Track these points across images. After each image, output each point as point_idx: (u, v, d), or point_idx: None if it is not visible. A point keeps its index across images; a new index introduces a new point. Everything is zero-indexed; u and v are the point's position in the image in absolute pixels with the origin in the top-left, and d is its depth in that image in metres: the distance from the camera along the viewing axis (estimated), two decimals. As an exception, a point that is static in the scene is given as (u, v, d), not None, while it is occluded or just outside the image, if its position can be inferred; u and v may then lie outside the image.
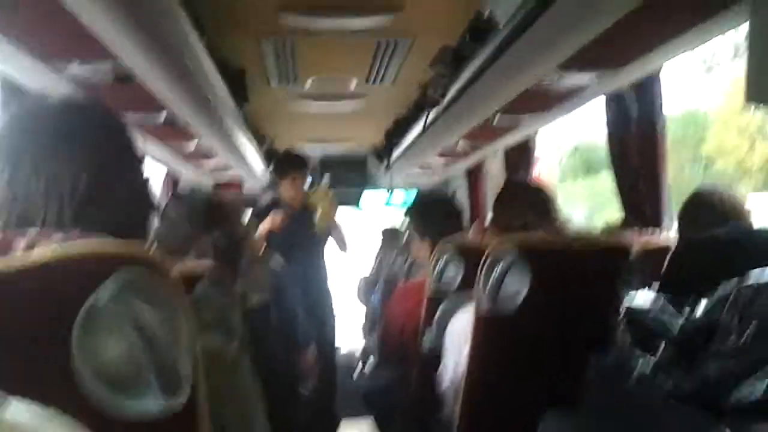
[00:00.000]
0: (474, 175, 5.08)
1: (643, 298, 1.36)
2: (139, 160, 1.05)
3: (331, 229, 4.04)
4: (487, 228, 2.42)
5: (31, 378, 0.75)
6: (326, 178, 4.32)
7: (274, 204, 4.01)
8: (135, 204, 1.00)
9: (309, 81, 3.52)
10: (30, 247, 0.77)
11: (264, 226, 3.68)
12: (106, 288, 0.76)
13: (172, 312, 0.80)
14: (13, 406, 0.40)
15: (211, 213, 1.87)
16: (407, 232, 3.69)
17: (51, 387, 0.75)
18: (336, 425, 4.25)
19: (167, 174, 4.53)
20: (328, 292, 4.19)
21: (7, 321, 0.76)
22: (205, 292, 1.34)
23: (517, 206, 1.96)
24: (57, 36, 1.87)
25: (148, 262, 0.80)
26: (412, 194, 5.84)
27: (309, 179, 4.11)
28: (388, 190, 5.62)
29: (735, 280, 1.12)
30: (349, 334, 5.52)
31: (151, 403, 0.78)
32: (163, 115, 2.86)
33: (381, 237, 5.24)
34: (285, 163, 4.07)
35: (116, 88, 2.25)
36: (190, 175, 4.74)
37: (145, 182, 1.05)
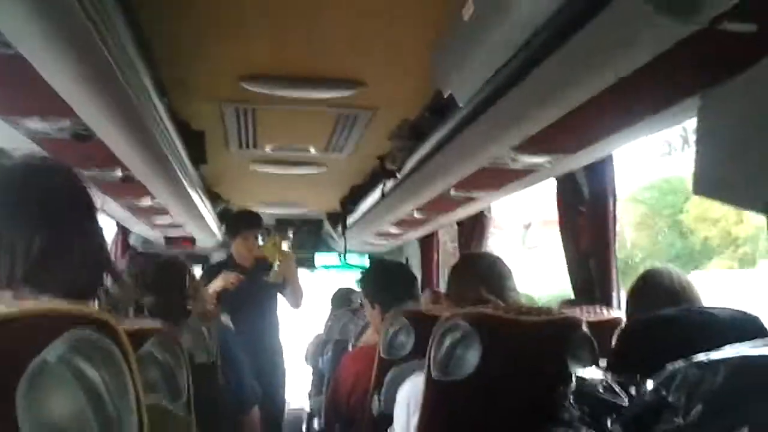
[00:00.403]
0: (427, 243, 5.13)
1: (591, 374, 1.38)
2: (96, 222, 1.05)
3: (287, 281, 4.03)
4: (443, 298, 2.45)
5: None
6: (288, 234, 4.30)
7: (226, 263, 3.99)
8: (89, 264, 1.00)
9: (268, 147, 3.55)
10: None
11: (215, 285, 3.65)
12: (55, 347, 0.76)
13: (121, 373, 0.80)
14: None
15: (160, 273, 1.87)
16: (360, 295, 3.69)
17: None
18: None
19: (118, 229, 4.49)
20: (280, 350, 4.16)
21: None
22: (150, 352, 1.33)
23: (472, 278, 1.97)
24: (16, 91, 1.86)
25: (99, 322, 0.80)
26: (365, 258, 5.86)
27: (260, 238, 4.11)
28: (341, 255, 5.62)
29: (683, 360, 1.14)
30: (295, 394, 5.43)
31: (95, 466, 0.76)
32: (120, 172, 2.84)
33: (332, 298, 5.22)
34: (237, 222, 4.09)
35: (74, 145, 2.24)
36: (143, 230, 4.69)
37: (100, 242, 1.05)
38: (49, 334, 0.76)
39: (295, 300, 4.14)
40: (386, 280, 2.80)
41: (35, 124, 2.11)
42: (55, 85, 1.74)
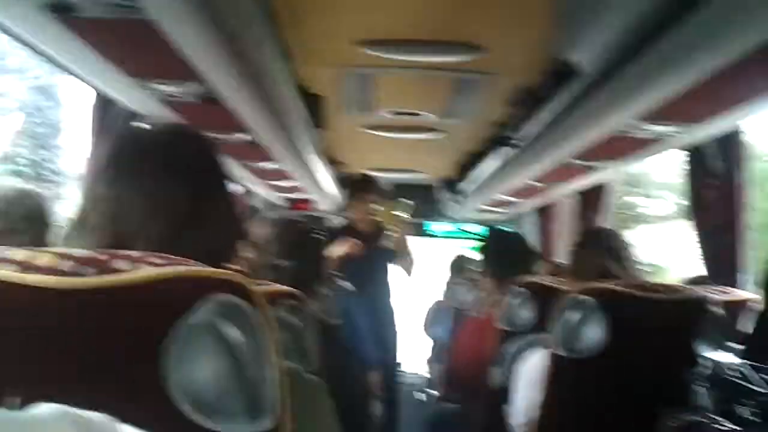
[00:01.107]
0: (545, 214, 5.03)
1: (726, 358, 1.32)
2: (230, 188, 1.08)
3: (401, 251, 4.06)
4: (564, 273, 2.40)
5: (125, 392, 0.77)
6: (408, 201, 4.29)
7: (346, 228, 4.04)
8: (228, 230, 1.03)
9: (385, 111, 3.56)
10: (132, 266, 0.80)
11: (338, 251, 3.70)
12: (200, 310, 0.78)
13: (261, 337, 0.82)
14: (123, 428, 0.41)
15: (299, 239, 1.91)
16: (477, 265, 3.67)
17: (143, 402, 0.77)
18: None
19: (244, 192, 4.63)
20: (392, 314, 4.20)
21: (104, 335, 0.78)
22: (281, 315, 1.36)
23: (597, 252, 1.93)
24: (149, 56, 1.94)
25: (240, 288, 0.82)
26: (482, 228, 5.81)
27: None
28: (456, 223, 5.61)
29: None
30: (415, 361, 5.49)
31: (239, 427, 0.79)
32: (245, 136, 2.92)
33: (451, 265, 5.20)
34: (354, 185, 4.12)
35: (201, 109, 2.32)
36: (266, 193, 4.82)
37: (236, 208, 1.08)
38: (193, 297, 0.79)
39: (407, 267, 4.17)
40: (503, 250, 2.77)
41: (164, 87, 2.20)
42: (184, 49, 1.80)
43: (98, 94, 2.37)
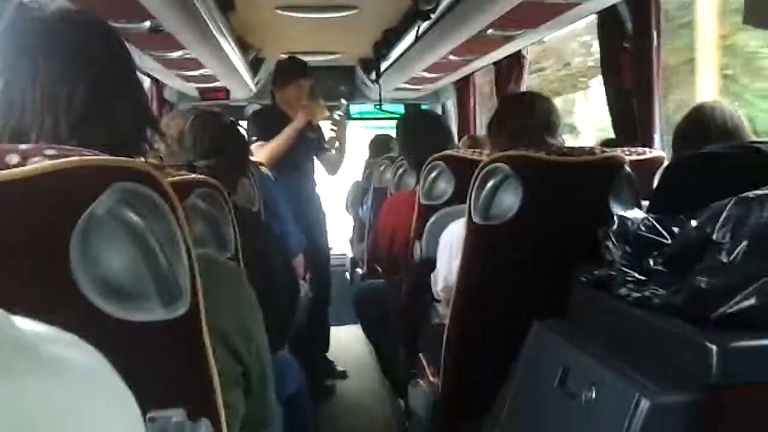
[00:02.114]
0: (464, 88, 5.04)
1: (633, 214, 1.37)
2: (137, 77, 1.02)
3: (339, 149, 4.10)
4: (481, 143, 2.42)
5: (33, 288, 0.76)
6: (342, 105, 4.25)
7: (274, 113, 3.93)
8: (133, 120, 0.98)
9: (296, -10, 3.43)
10: (23, 160, 0.76)
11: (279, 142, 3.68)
12: (103, 200, 0.76)
13: (169, 224, 0.80)
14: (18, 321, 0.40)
15: (222, 137, 1.84)
16: (396, 144, 3.69)
17: (52, 296, 0.75)
18: (327, 332, 4.36)
19: (152, 83, 4.47)
20: (319, 199, 4.21)
21: (3, 231, 0.76)
22: (195, 203, 1.34)
23: (517, 120, 1.90)
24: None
25: (144, 175, 0.80)
26: (400, 107, 5.79)
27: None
28: (376, 105, 5.56)
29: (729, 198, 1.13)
30: (337, 242, 5.57)
31: (152, 314, 0.78)
32: (148, 23, 2.78)
33: (370, 145, 5.22)
34: (288, 69, 3.98)
35: (100, -6, 2.19)
36: (176, 84, 4.66)
37: (141, 98, 1.03)
38: (96, 187, 0.76)
39: (334, 168, 4.18)
40: (419, 128, 2.80)
41: (59, -27, 2.06)
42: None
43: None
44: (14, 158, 0.76)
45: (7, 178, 0.75)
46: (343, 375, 4.44)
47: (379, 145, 5.08)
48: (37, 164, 0.75)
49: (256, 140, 3.73)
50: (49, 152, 0.77)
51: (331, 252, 4.76)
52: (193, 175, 1.45)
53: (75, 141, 0.87)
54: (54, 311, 0.71)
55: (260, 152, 3.68)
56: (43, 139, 0.88)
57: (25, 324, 0.40)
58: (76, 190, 0.76)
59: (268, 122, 3.80)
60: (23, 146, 0.78)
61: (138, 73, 1.05)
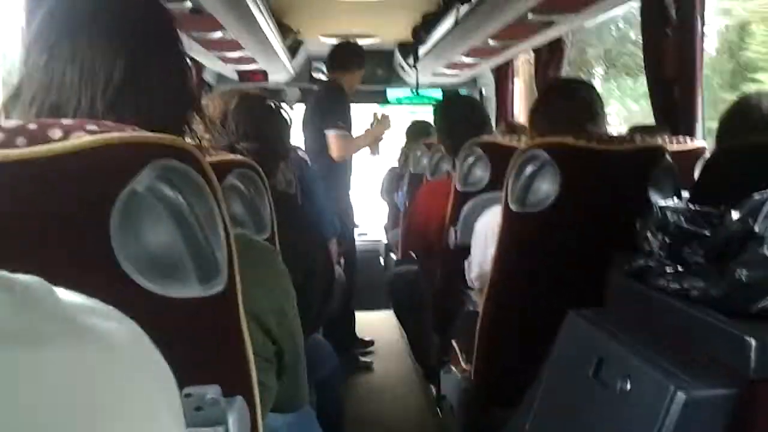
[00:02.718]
0: (502, 74, 4.99)
1: (673, 205, 1.35)
2: (182, 53, 1.02)
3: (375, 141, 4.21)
4: (519, 129, 2.39)
5: (72, 263, 0.77)
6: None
7: (341, 97, 4.00)
8: (174, 98, 0.98)
9: (337, -27, 3.43)
10: (65, 135, 0.77)
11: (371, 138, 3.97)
12: (143, 176, 0.76)
13: (208, 202, 0.81)
14: (59, 293, 0.40)
15: (266, 121, 1.84)
16: (433, 130, 3.67)
17: (91, 271, 0.76)
18: (353, 317, 4.39)
19: (192, 64, 4.49)
20: (348, 187, 4.24)
21: (44, 206, 0.77)
22: (233, 184, 1.35)
23: (557, 108, 1.87)
24: None
25: (183, 152, 0.80)
26: (438, 92, 5.76)
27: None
28: (413, 89, 5.54)
29: (772, 188, 1.10)
30: (372, 227, 5.57)
31: (190, 291, 0.79)
32: (189, 3, 2.80)
33: (407, 131, 5.20)
34: (354, 57, 4.09)
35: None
36: (216, 65, 4.69)
37: (184, 72, 1.02)
38: (136, 163, 0.77)
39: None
40: (457, 114, 2.78)
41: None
42: None
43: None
44: (57, 132, 0.77)
45: (49, 153, 0.75)
46: (371, 343, 4.48)
47: (417, 130, 5.06)
48: (78, 139, 0.76)
49: (331, 129, 3.83)
50: (90, 127, 0.78)
51: (366, 237, 4.78)
52: (233, 156, 1.45)
53: (111, 117, 0.87)
54: (93, 286, 0.72)
55: (339, 144, 3.82)
56: (79, 116, 0.89)
57: (65, 295, 0.41)
58: (116, 166, 0.77)
59: (342, 107, 3.91)
60: (66, 121, 0.79)
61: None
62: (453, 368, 2.21)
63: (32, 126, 0.77)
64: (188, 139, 1.00)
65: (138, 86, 0.92)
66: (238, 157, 1.44)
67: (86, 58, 0.89)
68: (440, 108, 2.99)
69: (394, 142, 5.24)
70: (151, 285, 0.78)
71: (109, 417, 0.37)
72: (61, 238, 0.77)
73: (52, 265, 0.75)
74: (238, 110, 1.80)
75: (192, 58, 4.34)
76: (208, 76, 4.98)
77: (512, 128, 3.53)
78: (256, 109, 1.85)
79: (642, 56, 2.87)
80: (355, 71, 4.06)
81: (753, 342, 0.98)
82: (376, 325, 4.78)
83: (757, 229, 1.10)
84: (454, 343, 2.33)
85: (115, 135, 0.78)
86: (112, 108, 0.89)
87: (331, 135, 3.85)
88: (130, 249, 0.77)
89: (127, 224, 0.77)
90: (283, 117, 1.96)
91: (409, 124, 5.30)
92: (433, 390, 2.97)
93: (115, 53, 0.91)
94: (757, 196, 1.12)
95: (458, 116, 2.78)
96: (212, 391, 0.79)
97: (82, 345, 0.38)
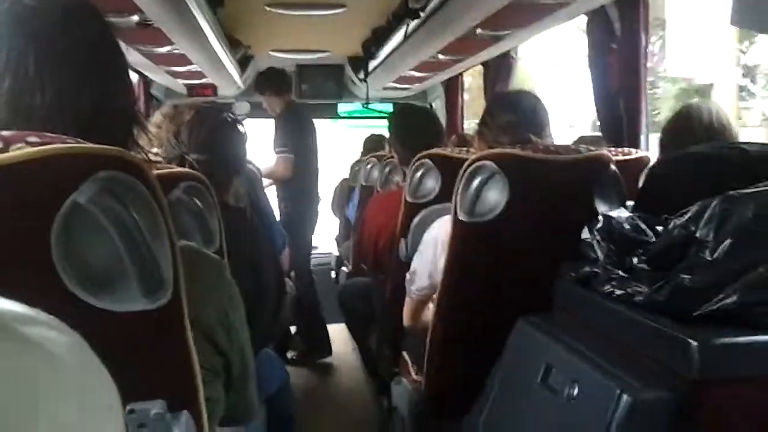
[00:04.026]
0: (452, 87, 5.05)
1: (618, 213, 1.38)
2: (125, 65, 1.00)
3: None
4: (471, 141, 2.41)
5: (13, 275, 0.75)
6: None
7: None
8: (128, 117, 0.97)
9: (286, -13, 3.42)
10: (5, 146, 0.75)
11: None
12: (87, 188, 0.75)
13: (153, 214, 0.80)
14: None
15: (220, 132, 1.82)
16: (387, 141, 3.69)
17: (33, 283, 0.75)
18: (324, 328, 4.40)
19: (140, 78, 4.44)
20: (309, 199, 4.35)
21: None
22: (180, 197, 1.33)
23: (503, 119, 1.89)
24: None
25: (128, 164, 0.79)
26: (389, 107, 5.78)
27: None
28: (364, 103, 5.55)
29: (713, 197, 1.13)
30: (323, 240, 5.56)
31: (133, 304, 0.78)
32: (135, 17, 2.77)
33: (364, 144, 5.23)
34: (281, 80, 4.49)
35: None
36: (164, 80, 4.64)
37: (130, 88, 1.01)
38: (78, 175, 0.76)
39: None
40: (412, 124, 2.79)
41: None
42: None
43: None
44: (-4, 144, 0.75)
45: None
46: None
47: (372, 144, 5.09)
48: (18, 151, 0.75)
49: (283, 151, 4.23)
50: (31, 139, 0.76)
51: (317, 251, 4.78)
52: (179, 169, 1.44)
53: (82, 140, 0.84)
54: (34, 299, 0.70)
55: (285, 165, 4.21)
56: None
57: (5, 304, 0.40)
58: (58, 178, 0.76)
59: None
60: (5, 132, 0.77)
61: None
62: (404, 380, 2.21)
63: None
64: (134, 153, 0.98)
65: (105, 109, 0.91)
66: (186, 170, 1.43)
67: (50, 81, 0.87)
68: (395, 117, 3.01)
69: (344, 155, 5.26)
70: (93, 299, 0.76)
71: (49, 428, 0.36)
72: (2, 250, 0.75)
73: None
74: (192, 122, 1.79)
75: (139, 72, 4.31)
76: (155, 91, 4.92)
77: (463, 141, 3.56)
78: (210, 121, 1.84)
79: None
80: (284, 95, 4.45)
81: (695, 344, 1.00)
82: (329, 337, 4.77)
83: (698, 234, 1.12)
84: (405, 355, 2.33)
85: (57, 146, 0.76)
86: (83, 133, 0.86)
87: (280, 157, 4.28)
88: (72, 262, 0.76)
89: (68, 237, 0.75)
90: (239, 131, 1.94)
91: (365, 137, 5.33)
92: (386, 402, 2.96)
93: (83, 77, 0.89)
94: (698, 203, 1.15)
95: (413, 126, 2.80)
96: (157, 407, 0.77)
97: (21, 353, 0.37)
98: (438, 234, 1.94)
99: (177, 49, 3.54)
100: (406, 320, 2.15)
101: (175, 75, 4.47)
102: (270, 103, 4.42)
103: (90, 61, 0.92)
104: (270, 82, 4.44)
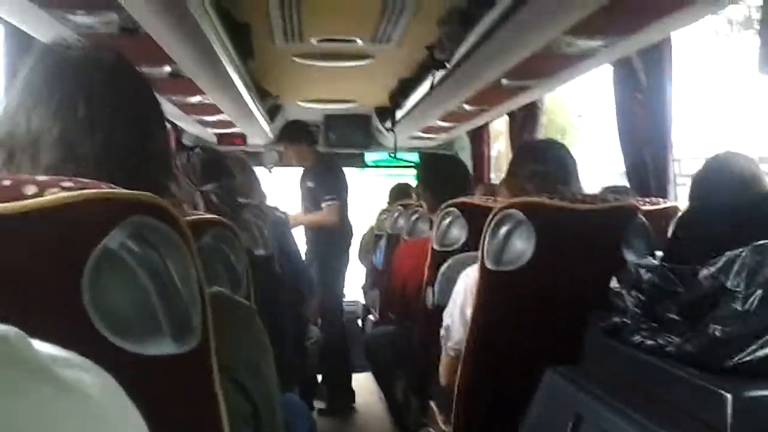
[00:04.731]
0: (478, 137, 5.07)
1: (647, 263, 1.37)
2: (162, 115, 1.04)
3: None
4: (497, 191, 2.42)
5: (45, 320, 0.76)
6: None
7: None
8: (166, 161, 1.00)
9: (313, 39, 3.49)
10: (40, 191, 0.77)
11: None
12: (118, 233, 0.76)
13: (183, 259, 0.81)
14: (35, 344, 0.40)
15: (206, 167, 1.88)
16: (415, 191, 3.71)
17: (64, 327, 0.75)
18: (349, 377, 4.38)
19: (171, 128, 4.53)
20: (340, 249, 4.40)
21: (17, 263, 0.76)
22: (210, 243, 1.35)
23: (532, 167, 1.89)
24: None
25: (160, 210, 0.81)
26: (415, 156, 5.82)
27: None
28: (391, 153, 5.60)
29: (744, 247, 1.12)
30: (350, 288, 5.56)
31: (162, 348, 0.78)
32: (168, 68, 2.83)
33: (390, 192, 5.26)
34: (304, 132, 4.66)
35: (121, 40, 2.23)
36: (195, 129, 4.72)
37: (167, 137, 1.05)
38: (110, 220, 0.77)
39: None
40: (441, 172, 2.81)
41: (81, 18, 2.10)
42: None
43: (8, 29, 2.26)
44: (31, 189, 0.77)
45: (22, 209, 0.75)
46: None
47: (399, 193, 5.12)
48: (52, 196, 0.76)
49: (332, 199, 4.34)
50: (65, 184, 0.78)
51: (344, 299, 4.79)
52: (209, 215, 1.46)
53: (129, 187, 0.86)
54: (66, 342, 0.71)
55: (335, 213, 4.33)
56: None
57: (41, 346, 0.41)
58: (90, 223, 0.77)
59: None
60: (41, 177, 0.79)
61: None
62: (431, 430, 2.18)
63: (6, 182, 0.77)
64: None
65: (143, 158, 0.93)
66: (215, 216, 1.44)
67: (105, 129, 0.90)
68: (425, 166, 3.04)
69: (371, 203, 5.28)
70: (124, 342, 0.77)
71: None
72: (34, 294, 0.77)
73: (23, 322, 0.74)
74: (198, 158, 1.86)
75: (171, 122, 4.39)
76: (186, 140, 5.00)
77: (491, 191, 3.57)
78: (212, 153, 1.91)
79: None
80: (303, 144, 4.60)
81: (729, 396, 0.98)
82: (355, 386, 4.73)
83: (729, 285, 1.11)
84: (432, 404, 2.30)
85: (90, 192, 0.78)
86: (119, 180, 0.89)
87: (328, 206, 4.42)
88: (103, 306, 0.77)
89: (99, 281, 0.76)
90: (245, 163, 2.00)
91: (391, 186, 5.36)
92: (413, 453, 2.92)
93: (132, 126, 0.92)
94: (729, 254, 1.14)
95: (443, 174, 2.82)
96: (185, 451, 0.77)
97: (58, 395, 0.37)
98: (466, 284, 1.93)
99: (208, 99, 3.61)
100: (443, 379, 2.12)
101: (206, 124, 4.55)
102: (300, 153, 4.56)
103: (136, 107, 0.95)
104: (302, 133, 4.63)
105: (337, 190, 4.41)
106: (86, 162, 0.89)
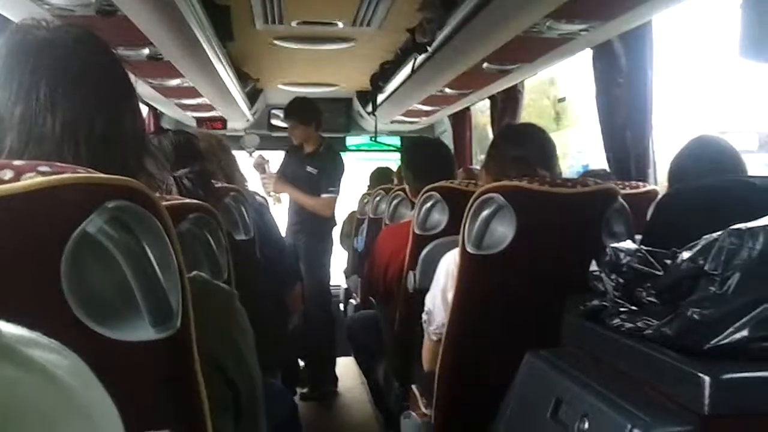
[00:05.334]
0: (459, 121, 5.07)
1: (626, 246, 1.37)
2: (136, 98, 1.02)
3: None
4: (478, 175, 2.42)
5: (22, 305, 0.75)
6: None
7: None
8: (138, 146, 0.98)
9: (294, 22, 3.46)
10: (17, 176, 0.76)
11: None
12: (97, 217, 0.76)
13: (162, 243, 0.80)
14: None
15: (178, 151, 1.86)
16: (397, 173, 3.70)
17: (41, 313, 0.75)
18: (333, 361, 4.39)
19: (149, 111, 4.49)
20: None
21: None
22: (189, 228, 1.34)
23: (512, 150, 1.90)
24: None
25: (139, 194, 0.80)
26: (396, 140, 5.82)
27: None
28: (372, 137, 5.59)
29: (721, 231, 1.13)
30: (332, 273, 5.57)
31: (141, 333, 0.78)
32: (146, 50, 2.80)
33: (371, 176, 5.25)
34: (316, 113, 4.43)
35: (98, 22, 2.20)
36: (174, 112, 4.69)
37: (143, 124, 1.03)
38: (88, 204, 0.76)
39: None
40: (425, 156, 2.81)
41: (58, 0, 2.07)
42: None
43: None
44: (7, 174, 0.76)
45: (2, 193, 0.74)
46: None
47: (380, 176, 5.11)
48: (29, 180, 0.75)
49: (332, 191, 4.28)
50: (42, 168, 0.77)
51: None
52: (188, 200, 1.45)
53: (94, 167, 0.86)
54: (44, 327, 0.71)
55: (330, 205, 4.30)
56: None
57: (6, 327, 0.40)
58: (68, 207, 0.76)
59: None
60: (17, 162, 0.78)
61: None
62: (413, 414, 2.19)
63: None
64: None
65: (116, 139, 0.92)
66: (195, 201, 1.43)
67: (64, 110, 0.88)
68: (408, 150, 3.03)
69: (352, 187, 5.27)
70: (102, 327, 0.77)
71: None
72: (10, 279, 0.76)
73: (1, 308, 0.73)
74: (168, 140, 1.85)
75: (150, 105, 4.36)
76: (166, 123, 4.96)
77: (471, 175, 3.57)
78: (183, 135, 1.90)
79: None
80: (312, 124, 4.37)
81: (707, 379, 0.99)
82: (337, 370, 4.75)
83: (707, 268, 1.12)
84: (414, 388, 2.31)
85: (67, 176, 0.77)
86: (94, 158, 0.88)
87: (327, 197, 4.34)
88: (81, 291, 0.76)
89: (78, 266, 0.76)
90: (223, 143, 1.97)
91: (372, 170, 5.35)
92: (394, 437, 2.93)
93: (95, 107, 0.90)
94: (707, 237, 1.15)
95: (427, 158, 2.81)
96: (164, 437, 0.77)
97: (22, 375, 0.37)
98: (447, 268, 1.94)
99: (187, 83, 3.58)
100: (426, 364, 2.13)
101: (185, 108, 4.51)
102: (308, 134, 4.37)
103: (100, 88, 0.93)
104: (314, 114, 4.41)
105: (338, 182, 4.32)
106: (48, 143, 0.88)
